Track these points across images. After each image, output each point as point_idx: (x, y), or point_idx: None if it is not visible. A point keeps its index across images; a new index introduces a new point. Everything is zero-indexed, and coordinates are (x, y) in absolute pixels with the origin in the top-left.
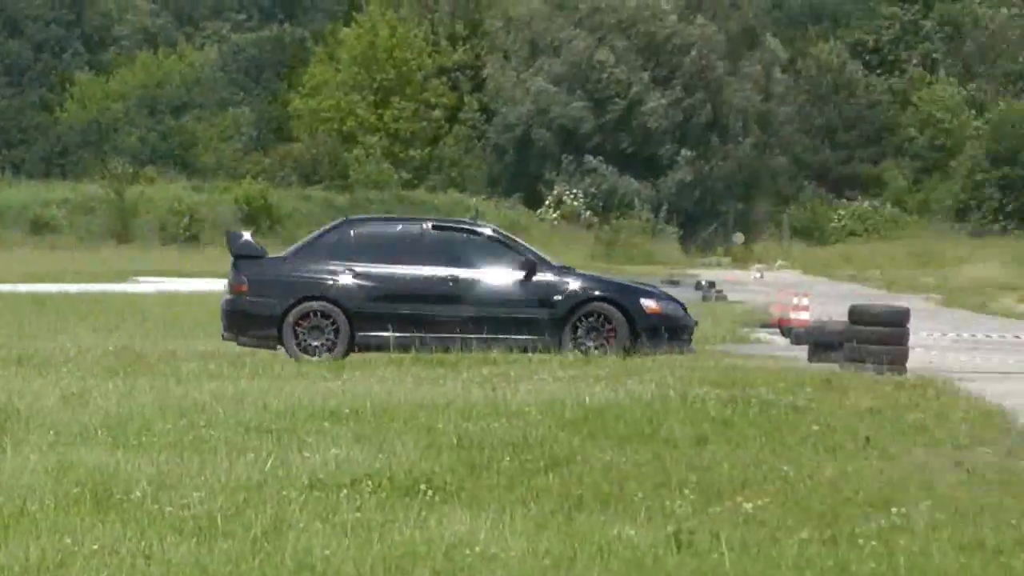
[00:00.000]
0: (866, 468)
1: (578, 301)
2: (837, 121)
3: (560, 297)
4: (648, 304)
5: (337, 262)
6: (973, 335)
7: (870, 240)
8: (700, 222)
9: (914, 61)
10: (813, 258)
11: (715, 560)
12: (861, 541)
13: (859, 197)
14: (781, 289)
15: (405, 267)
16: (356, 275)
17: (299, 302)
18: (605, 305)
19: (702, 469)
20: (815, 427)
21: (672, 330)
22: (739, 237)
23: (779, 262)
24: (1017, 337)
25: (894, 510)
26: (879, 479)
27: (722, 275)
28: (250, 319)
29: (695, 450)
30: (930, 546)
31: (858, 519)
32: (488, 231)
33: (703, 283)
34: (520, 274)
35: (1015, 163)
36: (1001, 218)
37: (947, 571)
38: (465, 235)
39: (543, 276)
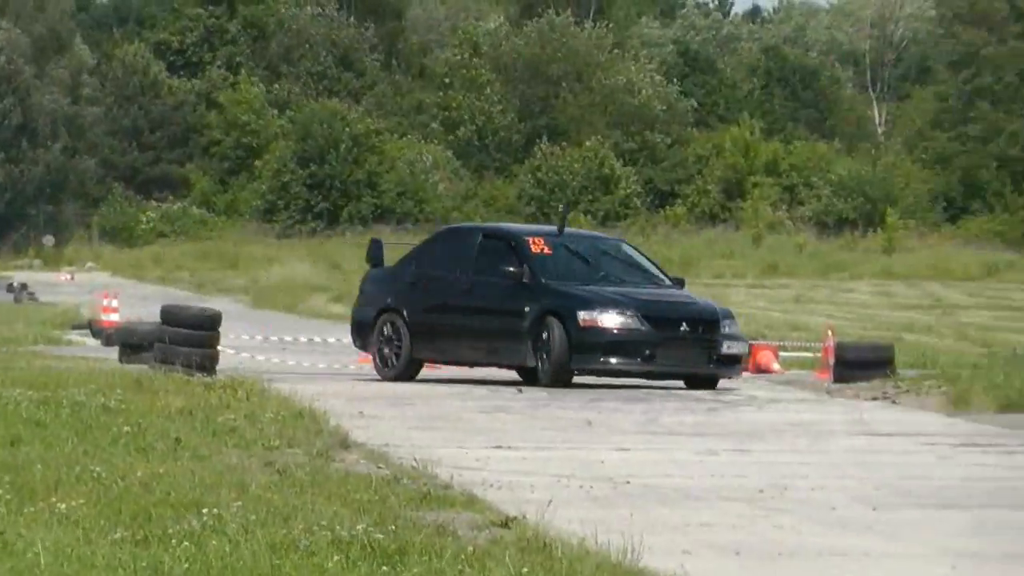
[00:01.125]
0: (178, 469)
1: None
2: (144, 123)
3: None
4: None
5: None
6: (283, 337)
7: (179, 241)
8: (11, 225)
9: (218, 63)
10: (123, 260)
11: (31, 560)
12: (174, 542)
13: (169, 198)
14: (92, 291)
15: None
16: (414, 285)
17: (379, 314)
18: None
19: (16, 470)
20: (127, 428)
21: None
22: (49, 239)
23: (89, 264)
24: (326, 339)
25: (206, 511)
26: (191, 480)
27: (35, 277)
28: (356, 328)
29: (8, 451)
30: (242, 547)
31: (170, 520)
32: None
33: (15, 285)
34: None
35: (322, 162)
36: (309, 218)
37: (259, 571)
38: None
39: None
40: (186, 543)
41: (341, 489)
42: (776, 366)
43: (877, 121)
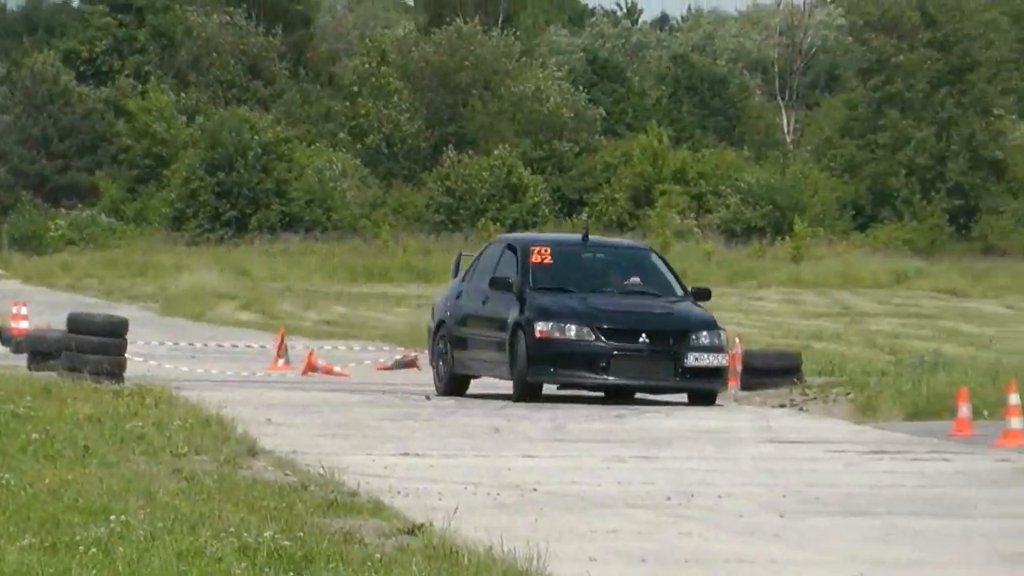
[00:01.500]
0: (86, 476)
1: None
2: (53, 131)
3: None
4: None
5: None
6: (191, 343)
7: (88, 249)
8: None
9: (127, 72)
10: (33, 267)
11: None
12: (82, 548)
13: (78, 206)
14: (2, 298)
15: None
16: (458, 298)
17: (437, 327)
18: None
19: None
20: (35, 435)
21: None
22: None
23: None
24: (235, 345)
25: (114, 518)
26: (99, 487)
27: None
28: (430, 341)
29: None
30: (150, 553)
31: (79, 527)
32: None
33: None
34: None
35: (230, 170)
36: (218, 226)
37: None
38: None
39: None
40: (94, 550)
41: (248, 496)
42: None
43: (786, 129)
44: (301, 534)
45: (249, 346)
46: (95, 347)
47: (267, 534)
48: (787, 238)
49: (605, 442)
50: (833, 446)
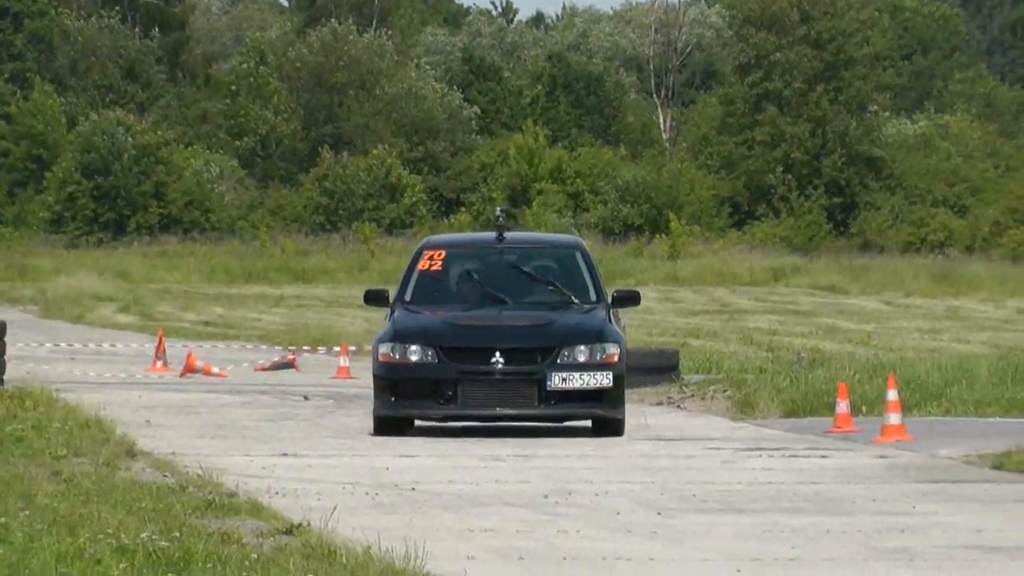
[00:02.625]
0: None
1: None
2: None
3: None
4: None
5: None
6: (71, 345)
7: None
8: None
9: (5, 76)
10: None
11: None
12: None
13: None
14: None
15: None
16: None
17: None
18: None
19: None
20: None
21: None
22: None
23: None
24: (114, 347)
25: None
26: None
27: None
28: None
29: None
30: (29, 556)
31: None
32: None
33: None
34: None
35: (107, 174)
36: (96, 229)
37: None
38: None
39: None
40: None
41: (127, 497)
42: None
43: (662, 127)
44: (179, 535)
45: (128, 347)
46: None
47: (145, 535)
48: (664, 236)
49: (482, 441)
50: (711, 443)
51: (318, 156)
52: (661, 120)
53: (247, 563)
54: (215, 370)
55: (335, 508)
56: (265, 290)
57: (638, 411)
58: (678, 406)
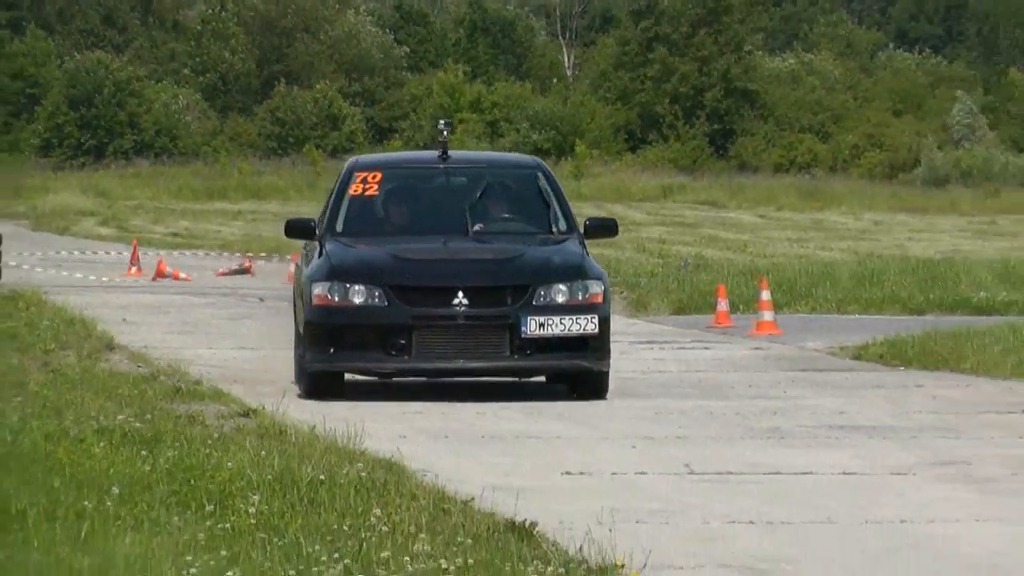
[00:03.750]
0: None
1: None
2: None
3: None
4: None
5: None
6: (58, 253)
7: None
8: None
9: (3, 22)
10: None
11: None
12: None
13: None
14: None
15: None
16: None
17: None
18: None
19: None
20: None
21: None
22: None
23: None
24: (95, 254)
25: None
26: None
27: None
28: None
29: None
30: (21, 436)
31: None
32: None
33: None
34: None
35: (90, 106)
36: (80, 154)
37: (36, 457)
38: None
39: None
40: None
41: (106, 385)
42: None
43: (567, 64)
44: (151, 417)
45: (107, 255)
46: None
47: (121, 417)
48: (569, 159)
49: None
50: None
51: (270, 90)
52: (566, 58)
53: (210, 441)
54: (182, 275)
55: (284, 394)
56: (225, 206)
57: None
58: None
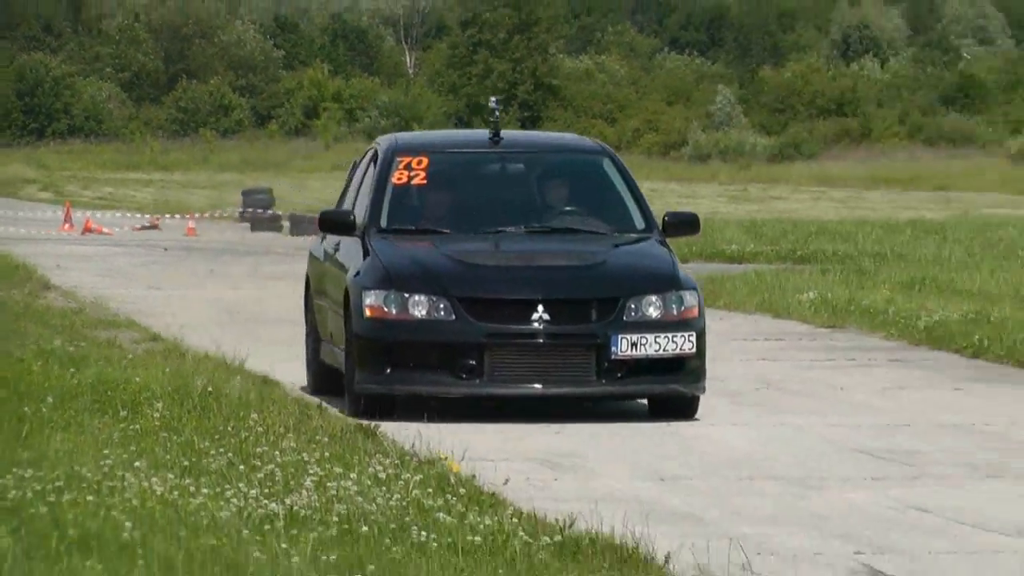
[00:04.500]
0: None
1: None
2: None
3: None
4: None
5: None
6: (6, 213)
7: None
8: None
9: None
10: None
11: None
12: None
13: None
14: None
15: None
16: None
17: (307, 286)
18: None
19: None
20: None
21: None
22: None
23: None
24: (35, 213)
25: None
26: None
27: None
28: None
29: None
30: None
31: None
32: None
33: None
34: None
35: (33, 96)
36: (25, 134)
37: None
38: None
39: None
40: None
41: (44, 317)
42: None
43: (408, 64)
44: (80, 343)
45: (46, 214)
46: None
47: (57, 343)
48: None
49: (284, 279)
50: None
51: (175, 84)
52: (408, 59)
53: (124, 361)
54: (105, 230)
55: (183, 325)
56: (140, 175)
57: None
58: None
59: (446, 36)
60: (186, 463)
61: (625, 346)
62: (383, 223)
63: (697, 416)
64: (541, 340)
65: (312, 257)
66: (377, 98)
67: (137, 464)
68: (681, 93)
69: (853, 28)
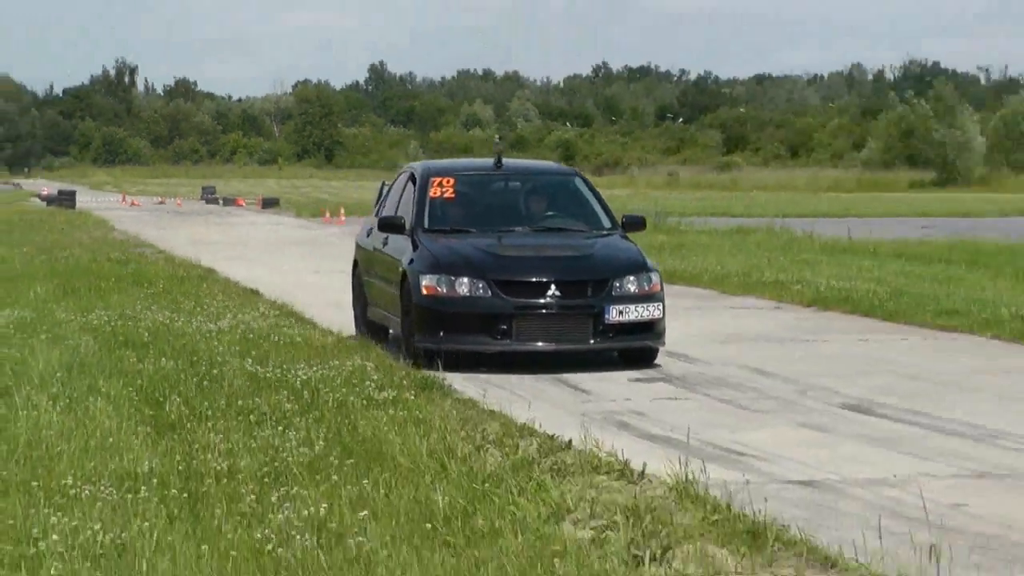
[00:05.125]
0: None
1: None
2: None
3: None
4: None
5: None
6: (98, 200)
7: None
8: None
9: None
10: None
11: None
12: None
13: None
14: None
15: None
16: (368, 235)
17: (354, 266)
18: None
19: None
20: None
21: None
22: None
23: None
24: (107, 199)
25: None
26: None
27: None
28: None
29: None
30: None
31: None
32: None
33: None
34: None
35: None
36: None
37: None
38: None
39: None
40: None
41: (111, 242)
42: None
43: (276, 131)
44: (127, 253)
45: (113, 198)
46: None
47: (115, 254)
48: None
49: (220, 227)
50: None
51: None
52: (276, 129)
53: (147, 262)
54: (138, 202)
55: (173, 247)
56: (153, 181)
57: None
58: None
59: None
60: (171, 313)
61: (615, 314)
62: (426, 225)
63: (657, 362)
64: (555, 310)
65: (359, 247)
66: (260, 147)
67: (153, 307)
68: None
69: None
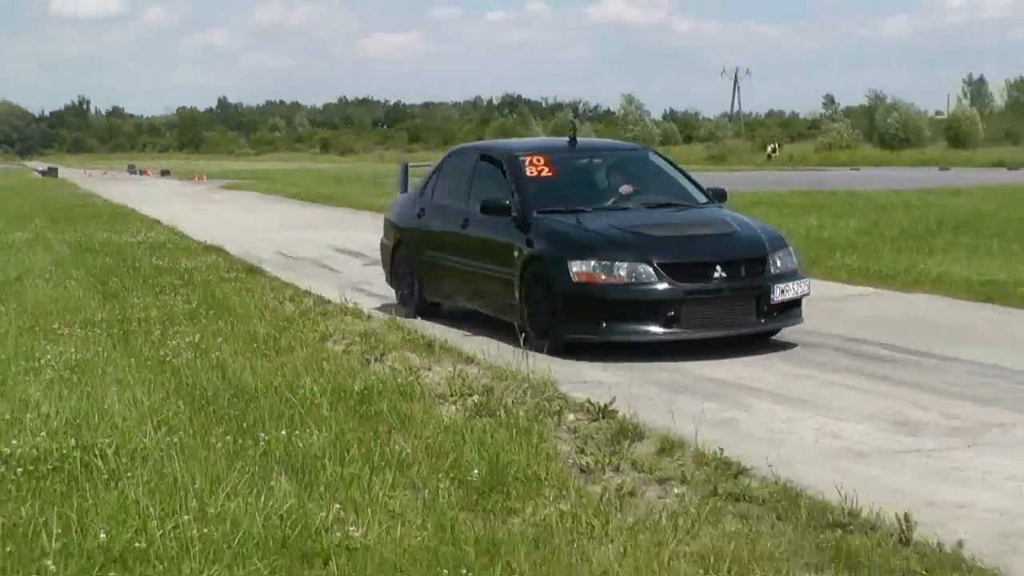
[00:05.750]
0: None
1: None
2: None
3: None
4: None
5: None
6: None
7: None
8: None
9: None
10: None
11: None
12: None
13: None
14: None
15: None
16: (420, 216)
17: (395, 246)
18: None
19: None
20: None
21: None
22: None
23: None
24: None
25: None
26: None
27: None
28: (383, 258)
29: None
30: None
31: None
32: None
33: None
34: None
35: None
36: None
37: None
38: None
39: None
40: None
41: (137, 218)
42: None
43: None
44: (161, 238)
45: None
46: None
47: (150, 234)
48: None
49: (157, 187)
50: None
51: None
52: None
53: (140, 225)
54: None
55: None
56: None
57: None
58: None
59: None
60: (111, 233)
61: (778, 292)
62: (537, 206)
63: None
64: (725, 293)
65: (402, 228)
66: (159, 143)
67: (101, 230)
68: None
69: None
